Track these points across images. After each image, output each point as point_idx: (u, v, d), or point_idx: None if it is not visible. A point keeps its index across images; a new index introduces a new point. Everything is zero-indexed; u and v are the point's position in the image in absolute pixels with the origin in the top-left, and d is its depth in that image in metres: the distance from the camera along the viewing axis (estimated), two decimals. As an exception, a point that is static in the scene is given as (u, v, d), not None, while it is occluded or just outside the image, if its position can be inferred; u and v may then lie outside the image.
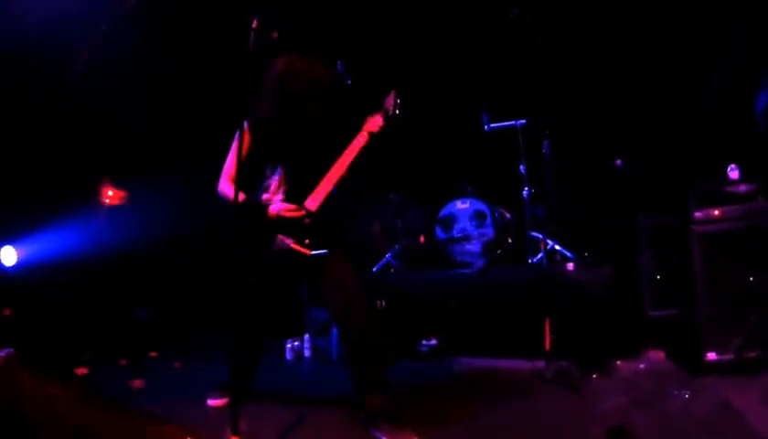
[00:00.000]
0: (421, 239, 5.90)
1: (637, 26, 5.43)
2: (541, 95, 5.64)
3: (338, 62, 3.58)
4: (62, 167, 5.83)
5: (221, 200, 3.20)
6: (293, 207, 3.05)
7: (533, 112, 5.29)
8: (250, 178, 3.19)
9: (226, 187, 3.19)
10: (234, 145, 3.19)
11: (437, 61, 6.08)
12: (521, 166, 5.21)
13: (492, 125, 5.43)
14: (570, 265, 4.72)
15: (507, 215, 5.53)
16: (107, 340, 5.54)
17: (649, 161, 5.31)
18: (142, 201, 6.39)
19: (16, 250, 5.72)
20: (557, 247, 5.08)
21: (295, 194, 3.12)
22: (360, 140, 3.16)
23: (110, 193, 6.49)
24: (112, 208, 6.49)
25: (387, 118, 3.23)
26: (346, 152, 3.15)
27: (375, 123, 3.20)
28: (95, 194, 6.41)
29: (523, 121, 5.24)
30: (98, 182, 6.39)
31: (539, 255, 4.95)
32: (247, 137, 3.15)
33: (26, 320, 5.44)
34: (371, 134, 3.18)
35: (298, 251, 3.01)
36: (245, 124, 3.13)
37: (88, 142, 5.86)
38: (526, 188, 5.14)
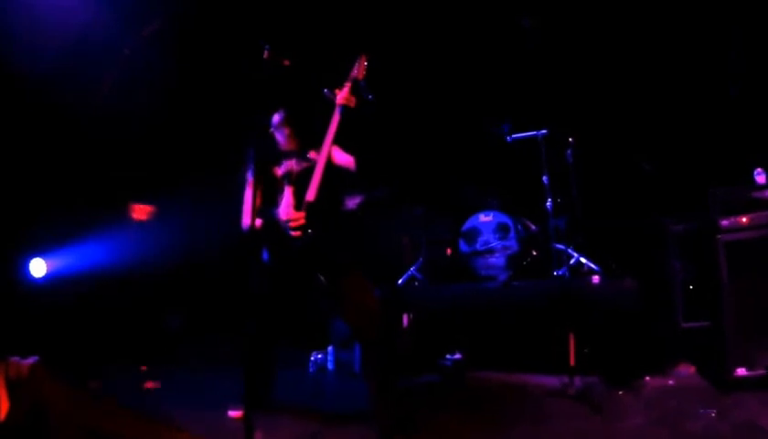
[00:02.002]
0: (448, 251, 5.84)
1: (657, 30, 5.35)
2: (562, 104, 5.57)
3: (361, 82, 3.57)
4: (92, 183, 5.98)
5: (249, 233, 3.28)
6: (297, 213, 3.16)
7: (554, 121, 5.22)
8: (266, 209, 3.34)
9: (248, 220, 3.33)
10: (247, 188, 3.36)
11: (456, 74, 6.05)
12: (544, 177, 5.11)
13: (513, 136, 5.36)
14: (596, 278, 4.63)
15: (532, 227, 5.45)
16: (134, 350, 5.59)
17: (675, 166, 5.18)
18: (169, 216, 6.50)
19: (46, 262, 5.86)
20: (582, 259, 4.98)
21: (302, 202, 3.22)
22: (335, 117, 3.18)
23: (138, 208, 6.58)
24: (140, 222, 6.59)
25: (355, 85, 3.22)
26: (327, 135, 3.18)
27: (344, 93, 3.19)
28: (124, 209, 6.53)
29: (544, 131, 5.15)
30: (126, 197, 6.51)
31: (564, 268, 4.86)
32: (255, 179, 3.30)
33: (53, 331, 5.55)
34: (343, 107, 3.17)
35: (306, 243, 3.09)
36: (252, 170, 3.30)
37: (117, 158, 6.00)
38: (549, 200, 5.06)
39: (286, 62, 2.94)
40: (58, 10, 5.23)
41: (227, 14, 5.61)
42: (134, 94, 5.91)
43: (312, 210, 3.12)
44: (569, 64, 5.73)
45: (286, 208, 3.27)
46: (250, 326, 3.25)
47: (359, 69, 3.23)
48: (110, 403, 2.68)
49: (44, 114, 5.54)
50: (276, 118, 3.43)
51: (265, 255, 3.25)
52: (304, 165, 3.33)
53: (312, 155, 3.34)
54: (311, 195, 3.13)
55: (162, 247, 6.27)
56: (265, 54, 2.86)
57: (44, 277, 5.79)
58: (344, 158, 3.27)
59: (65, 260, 6.01)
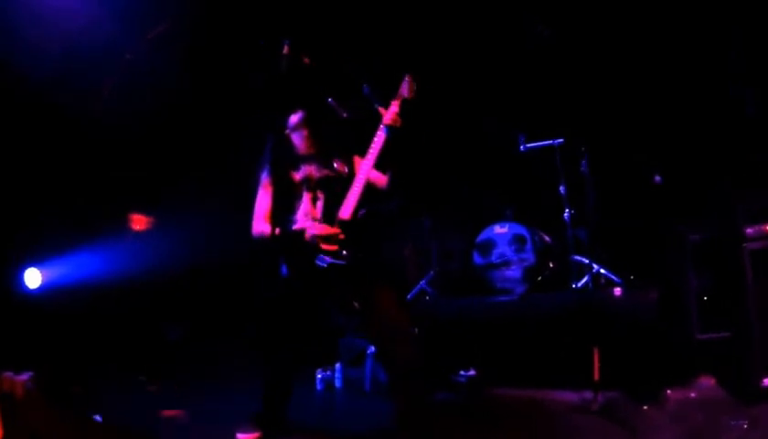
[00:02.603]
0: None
1: (670, 37, 5.21)
2: (577, 112, 5.42)
3: (365, 86, 3.40)
4: (90, 192, 5.81)
5: (259, 239, 3.14)
6: (327, 228, 2.95)
7: (570, 130, 5.10)
8: (281, 215, 3.12)
9: (261, 227, 3.12)
10: (261, 190, 3.18)
11: (471, 81, 5.91)
12: (561, 187, 4.97)
13: (528, 145, 5.22)
14: (617, 290, 4.51)
15: (547, 238, 5.28)
16: (135, 362, 5.42)
17: (690, 174, 5.02)
18: (170, 224, 6.32)
19: (41, 272, 5.67)
20: (602, 271, 4.81)
21: (328, 214, 3.01)
22: (380, 135, 2.97)
23: (137, 218, 6.40)
24: (138, 233, 6.41)
25: (404, 105, 2.98)
26: (369, 151, 2.98)
27: (391, 112, 2.97)
28: (123, 219, 6.35)
29: (560, 140, 5.03)
30: (125, 207, 6.33)
31: (584, 280, 4.71)
32: (270, 182, 3.14)
33: (48, 343, 5.38)
34: (389, 128, 2.95)
35: (338, 265, 2.90)
36: (268, 171, 3.14)
37: (116, 167, 5.84)
38: (567, 210, 4.90)
39: (306, 60, 2.77)
40: (60, 12, 5.08)
41: (234, 14, 5.45)
42: (136, 99, 5.74)
43: (346, 229, 2.93)
44: (580, 72, 5.60)
45: (304, 216, 3.06)
46: (268, 341, 3.04)
47: (408, 89, 2.99)
48: (104, 428, 2.50)
49: (41, 118, 5.37)
50: (294, 119, 3.20)
51: (284, 269, 3.03)
52: (326, 172, 3.12)
53: (338, 165, 3.14)
54: (346, 212, 2.94)
55: (162, 256, 6.09)
56: (285, 49, 2.68)
57: (39, 288, 5.58)
58: (376, 174, 3.08)
59: (61, 270, 5.84)
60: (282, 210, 3.09)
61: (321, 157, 3.16)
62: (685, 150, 5.09)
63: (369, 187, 3.00)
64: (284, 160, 3.13)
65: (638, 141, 5.31)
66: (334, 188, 3.04)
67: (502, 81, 5.90)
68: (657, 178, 5.05)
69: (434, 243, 5.53)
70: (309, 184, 3.11)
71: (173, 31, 5.59)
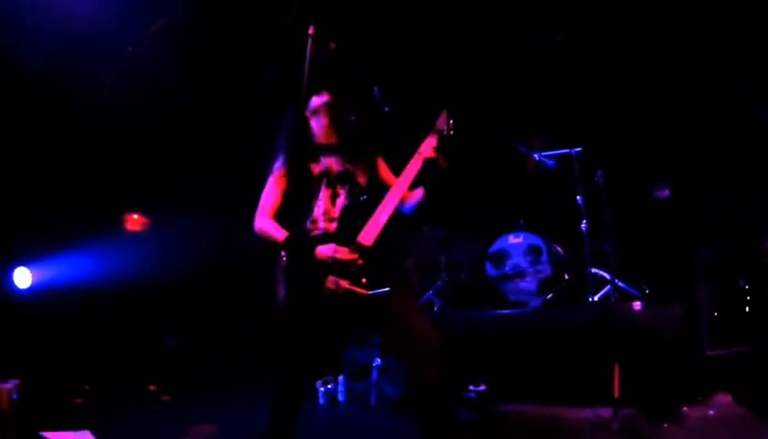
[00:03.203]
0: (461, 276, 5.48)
1: (686, 48, 5.07)
2: (594, 121, 5.28)
3: (375, 88, 3.21)
4: (85, 190, 5.62)
5: (260, 238, 2.83)
6: (344, 250, 2.64)
7: (586, 139, 4.95)
8: (290, 213, 2.85)
9: (265, 223, 2.81)
10: (272, 179, 2.86)
11: (485, 86, 5.73)
12: (578, 198, 4.79)
13: (544, 154, 5.04)
14: (637, 304, 4.34)
15: (560, 250, 5.07)
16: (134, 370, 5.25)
17: (703, 187, 4.89)
18: (166, 228, 6.10)
19: (32, 272, 5.44)
20: (620, 284, 4.64)
21: (345, 227, 2.73)
22: (415, 165, 2.76)
23: (133, 218, 6.18)
24: (134, 234, 6.18)
25: (442, 140, 2.82)
26: (399, 179, 2.77)
27: (428, 145, 2.78)
28: (118, 219, 6.13)
29: (578, 148, 4.86)
30: (121, 207, 6.13)
31: (601, 293, 4.54)
32: (285, 172, 2.84)
33: (38, 348, 5.17)
34: (426, 160, 2.76)
35: (355, 293, 2.61)
36: (283, 159, 2.85)
37: (113, 166, 5.65)
38: (584, 221, 4.71)
39: (332, 45, 2.56)
40: (61, 2, 4.87)
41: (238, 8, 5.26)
42: (136, 95, 5.54)
43: (366, 256, 2.65)
44: (589, 77, 5.44)
45: (322, 215, 2.80)
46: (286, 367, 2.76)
47: (446, 124, 2.83)
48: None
49: (36, 112, 5.17)
50: (316, 101, 2.90)
51: (283, 289, 2.79)
52: (348, 167, 2.86)
53: (361, 167, 2.89)
54: (368, 238, 2.65)
55: (158, 259, 5.86)
56: (310, 30, 2.47)
57: (29, 288, 5.37)
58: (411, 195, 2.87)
59: (53, 270, 5.63)
60: (297, 207, 2.83)
61: (343, 149, 2.88)
62: (694, 158, 4.97)
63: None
64: (303, 148, 2.86)
65: (649, 150, 5.18)
66: (355, 186, 2.80)
67: (516, 87, 5.74)
68: (665, 192, 4.91)
69: (444, 253, 5.30)
70: (329, 178, 2.83)
71: (173, 26, 5.41)
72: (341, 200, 2.79)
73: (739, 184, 4.62)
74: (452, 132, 2.83)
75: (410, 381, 2.74)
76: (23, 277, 5.36)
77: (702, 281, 4.03)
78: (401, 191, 2.74)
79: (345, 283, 2.60)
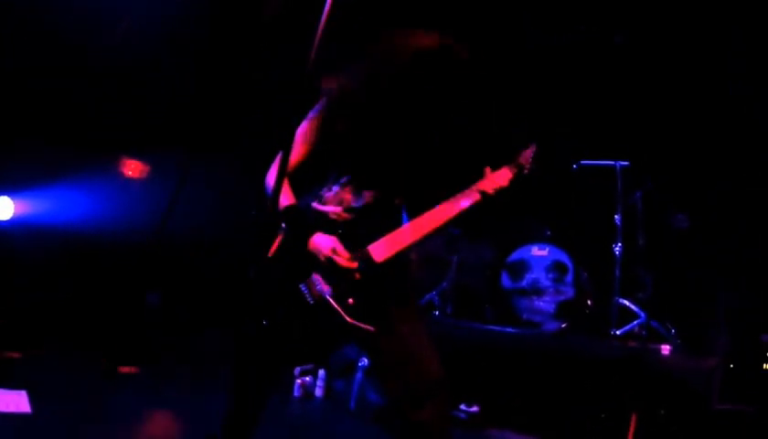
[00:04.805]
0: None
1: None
2: (644, 133, 4.77)
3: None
4: (85, 125, 5.29)
5: (265, 194, 2.24)
6: (346, 253, 2.08)
7: (631, 152, 4.49)
8: (308, 176, 2.27)
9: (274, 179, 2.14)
10: (304, 125, 2.24)
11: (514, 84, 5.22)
12: (616, 216, 4.31)
13: (584, 163, 4.54)
14: (666, 348, 3.84)
15: (586, 272, 4.57)
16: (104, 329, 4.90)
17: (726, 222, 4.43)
18: (165, 180, 5.70)
19: (14, 202, 5.09)
20: (648, 320, 4.17)
21: (359, 227, 2.16)
22: (468, 197, 2.17)
23: (130, 163, 5.78)
24: (131, 180, 5.79)
25: (518, 177, 2.22)
26: (444, 206, 2.17)
27: (498, 179, 2.20)
28: (115, 162, 5.75)
29: (625, 162, 4.40)
30: (120, 148, 5.77)
31: (626, 327, 4.08)
32: (315, 124, 2.22)
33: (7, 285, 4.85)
34: (485, 195, 2.18)
35: (334, 309, 2.07)
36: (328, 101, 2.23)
37: (117, 107, 5.33)
38: (619, 244, 4.21)
39: None
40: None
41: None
42: (150, 44, 5.12)
43: (369, 275, 2.10)
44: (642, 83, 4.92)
45: (336, 200, 2.21)
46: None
47: (530, 162, 2.24)
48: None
49: (45, 38, 4.82)
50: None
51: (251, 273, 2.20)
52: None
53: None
54: (381, 254, 2.11)
55: (153, 211, 5.46)
56: None
57: (9, 220, 5.08)
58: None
59: (37, 205, 5.29)
60: (315, 169, 2.25)
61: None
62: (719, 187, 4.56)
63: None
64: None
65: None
66: (390, 192, 2.22)
67: (561, 89, 5.22)
68: (681, 218, 4.50)
69: (456, 252, 4.82)
70: (357, 167, 2.23)
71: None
72: (368, 194, 2.20)
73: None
74: (531, 171, 2.24)
75: (397, 420, 2.21)
76: (4, 207, 5.04)
77: (723, 327, 3.82)
78: (445, 218, 2.16)
79: (326, 290, 2.07)
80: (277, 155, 2.11)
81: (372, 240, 2.10)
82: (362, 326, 2.02)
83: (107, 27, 5.01)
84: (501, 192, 2.17)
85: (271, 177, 2.19)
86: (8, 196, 5.07)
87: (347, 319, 2.02)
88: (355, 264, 2.05)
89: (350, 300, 2.05)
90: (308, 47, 1.79)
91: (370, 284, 2.08)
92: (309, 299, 2.06)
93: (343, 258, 2.04)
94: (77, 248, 5.35)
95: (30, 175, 5.14)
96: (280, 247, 2.14)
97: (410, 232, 2.13)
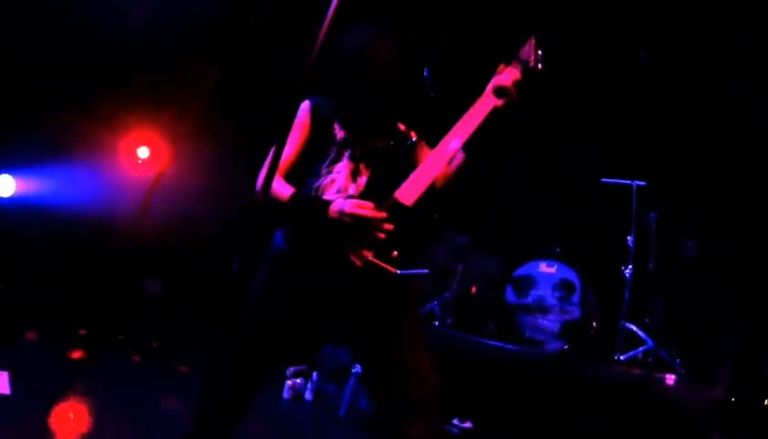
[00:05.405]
0: (473, 289, 4.87)
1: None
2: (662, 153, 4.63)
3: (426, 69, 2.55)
4: (97, 107, 5.24)
5: (264, 198, 2.12)
6: (368, 204, 1.95)
7: (647, 172, 4.33)
8: (303, 169, 2.17)
9: (275, 182, 2.10)
10: (293, 132, 2.15)
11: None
12: (629, 238, 4.18)
13: (601, 180, 4.43)
14: (670, 378, 3.68)
15: (591, 294, 4.44)
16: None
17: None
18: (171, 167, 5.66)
19: (16, 180, 5.05)
20: (654, 347, 4.02)
21: (374, 187, 2.04)
22: (487, 102, 1.99)
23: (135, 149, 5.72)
24: (137, 165, 5.73)
25: (526, 74, 2.02)
26: (464, 119, 2.00)
27: (509, 76, 1.99)
28: (126, 146, 5.71)
29: (642, 182, 4.25)
30: (132, 138, 5.72)
31: (630, 353, 3.95)
32: (309, 121, 2.15)
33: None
34: (505, 94, 1.97)
35: (380, 269, 1.90)
36: (311, 103, 2.17)
37: (129, 91, 5.26)
38: (630, 266, 4.07)
39: None
40: None
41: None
42: (166, 30, 5.05)
43: (399, 218, 1.94)
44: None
45: (335, 192, 2.10)
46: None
47: (533, 56, 2.04)
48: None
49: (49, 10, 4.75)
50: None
51: (279, 239, 2.06)
52: (379, 142, 2.17)
53: (401, 127, 2.21)
54: (409, 197, 1.95)
55: (161, 199, 5.39)
56: None
57: (10, 198, 5.06)
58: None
59: (41, 184, 5.26)
60: (305, 172, 2.14)
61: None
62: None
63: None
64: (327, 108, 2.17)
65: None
66: (386, 167, 2.10)
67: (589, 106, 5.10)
68: (691, 249, 4.38)
69: (462, 261, 4.70)
70: (353, 150, 2.13)
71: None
72: (363, 179, 2.10)
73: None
74: (540, 66, 2.05)
75: (386, 432, 2.08)
76: (5, 184, 5.01)
77: (728, 359, 3.76)
78: (465, 137, 1.98)
79: (368, 255, 1.90)
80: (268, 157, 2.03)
81: (395, 188, 1.97)
82: (416, 271, 1.94)
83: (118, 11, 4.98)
84: (517, 90, 1.98)
85: (261, 176, 2.08)
86: (10, 173, 5.03)
87: (397, 273, 1.89)
88: (384, 213, 1.91)
89: (394, 253, 1.91)
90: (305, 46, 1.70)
91: (408, 232, 1.94)
92: (351, 268, 1.92)
93: (369, 209, 1.91)
94: (76, 230, 5.30)
95: (35, 154, 5.09)
96: (297, 237, 2.02)
97: (432, 163, 1.98)
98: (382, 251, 1.91)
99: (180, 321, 5.41)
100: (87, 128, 5.23)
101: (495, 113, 1.98)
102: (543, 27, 2.14)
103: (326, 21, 1.70)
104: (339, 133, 2.15)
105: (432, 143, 2.11)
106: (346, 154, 2.12)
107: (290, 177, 2.10)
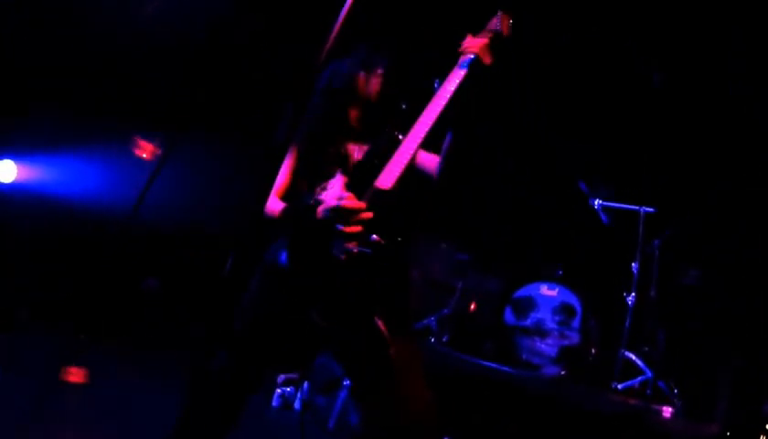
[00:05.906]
0: (472, 306, 4.78)
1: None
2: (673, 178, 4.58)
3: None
4: (103, 97, 5.15)
5: (267, 220, 2.16)
6: (348, 195, 1.92)
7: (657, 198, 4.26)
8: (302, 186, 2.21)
9: (272, 202, 2.16)
10: (287, 159, 2.23)
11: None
12: (634, 264, 4.09)
13: (604, 204, 4.34)
14: (667, 410, 3.56)
15: (592, 320, 4.35)
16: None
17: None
18: (177, 166, 5.58)
19: (18, 167, 4.98)
20: (653, 378, 3.91)
21: (358, 183, 1.99)
22: (457, 74, 1.97)
23: (143, 144, 5.66)
24: (141, 161, 5.66)
25: (496, 40, 2.01)
26: (437, 95, 1.98)
27: (477, 42, 1.99)
28: (128, 140, 5.63)
29: (650, 209, 4.16)
30: (135, 129, 5.64)
31: (627, 383, 3.86)
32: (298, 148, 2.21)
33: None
34: (474, 61, 1.96)
35: (364, 254, 1.86)
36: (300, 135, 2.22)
37: (138, 82, 5.22)
38: (633, 294, 3.99)
39: None
40: None
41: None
42: (181, 23, 4.99)
43: (379, 204, 1.92)
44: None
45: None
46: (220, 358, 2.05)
47: (503, 25, 2.02)
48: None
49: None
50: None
51: (283, 257, 2.03)
52: (373, 149, 2.14)
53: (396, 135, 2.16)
54: (387, 181, 1.93)
55: (160, 197, 5.31)
56: None
57: (11, 184, 4.96)
58: (428, 157, 2.08)
59: (43, 172, 5.16)
60: (305, 186, 2.16)
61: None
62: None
63: (419, 175, 2.04)
64: (325, 122, 2.19)
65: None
66: (377, 169, 2.03)
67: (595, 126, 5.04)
68: (693, 278, 4.35)
69: (462, 278, 4.62)
70: (346, 164, 2.14)
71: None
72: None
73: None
74: (509, 32, 2.04)
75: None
76: (7, 170, 4.93)
77: (728, 396, 3.65)
78: (438, 110, 1.96)
79: (352, 246, 1.86)
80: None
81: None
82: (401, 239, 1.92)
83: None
84: (489, 52, 1.97)
85: (270, 202, 2.14)
86: (13, 159, 4.97)
87: (383, 242, 1.86)
88: (363, 203, 1.89)
89: (374, 237, 1.86)
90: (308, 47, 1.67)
91: (389, 216, 1.90)
92: (344, 261, 1.87)
93: (351, 200, 1.88)
94: (76, 221, 5.22)
95: (39, 141, 5.02)
96: (294, 245, 1.99)
97: (409, 143, 1.96)
98: (365, 241, 1.86)
99: (180, 321, 5.33)
100: (89, 123, 5.14)
101: (466, 81, 1.96)
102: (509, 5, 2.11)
103: (337, 25, 1.67)
104: (332, 149, 2.16)
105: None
106: (340, 167, 2.12)
107: (288, 198, 2.13)
